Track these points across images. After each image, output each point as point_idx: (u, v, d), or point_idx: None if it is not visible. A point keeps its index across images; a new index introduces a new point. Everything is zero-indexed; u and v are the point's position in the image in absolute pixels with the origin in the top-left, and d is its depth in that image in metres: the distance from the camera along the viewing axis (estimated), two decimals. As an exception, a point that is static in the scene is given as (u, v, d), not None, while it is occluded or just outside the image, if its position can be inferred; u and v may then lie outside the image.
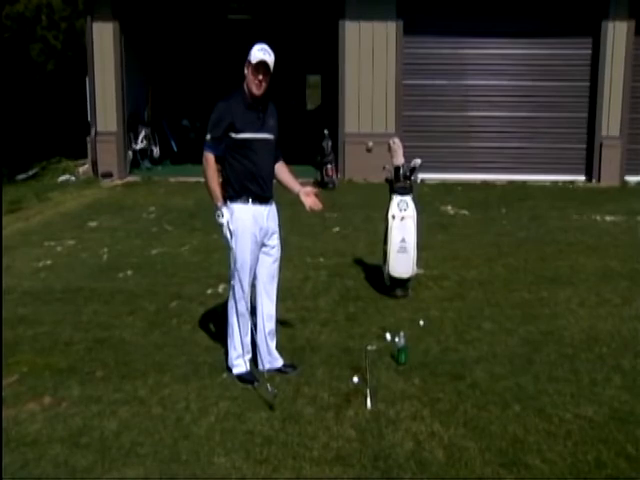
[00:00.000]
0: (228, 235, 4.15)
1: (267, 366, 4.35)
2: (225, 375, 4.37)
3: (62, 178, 12.89)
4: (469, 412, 3.89)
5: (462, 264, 6.91)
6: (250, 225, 4.19)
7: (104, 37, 12.44)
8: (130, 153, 13.23)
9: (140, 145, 13.70)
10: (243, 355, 4.36)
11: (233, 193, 4.20)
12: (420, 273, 6.31)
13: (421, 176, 11.04)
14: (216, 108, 4.20)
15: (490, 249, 7.51)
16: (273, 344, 4.48)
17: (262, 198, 4.22)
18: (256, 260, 4.29)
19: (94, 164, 12.81)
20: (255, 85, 4.12)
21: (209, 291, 6.10)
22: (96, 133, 12.71)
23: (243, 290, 4.23)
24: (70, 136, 14.91)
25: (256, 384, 4.22)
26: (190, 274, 6.62)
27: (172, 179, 12.49)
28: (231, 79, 18.26)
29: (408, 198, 5.91)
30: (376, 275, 6.24)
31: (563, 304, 5.73)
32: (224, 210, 4.14)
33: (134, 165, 13.41)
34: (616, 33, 12.10)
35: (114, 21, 12.44)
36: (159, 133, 14.50)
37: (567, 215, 9.39)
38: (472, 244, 7.74)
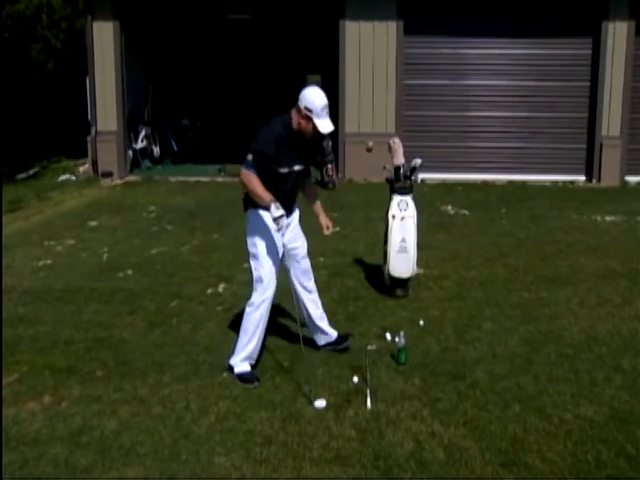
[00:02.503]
0: (284, 229, 4.12)
1: (322, 342, 4.68)
2: (225, 374, 4.37)
3: (62, 177, 12.88)
4: (469, 412, 3.90)
5: (462, 264, 6.91)
6: (272, 227, 4.23)
7: (104, 36, 12.42)
8: (130, 152, 13.22)
9: (140, 145, 13.68)
10: (249, 357, 4.38)
11: (253, 202, 4.27)
12: (420, 273, 6.32)
13: (421, 176, 11.05)
14: (265, 135, 4.22)
15: (490, 249, 7.51)
16: (324, 324, 4.70)
17: None
18: (277, 260, 4.36)
19: (94, 163, 12.80)
20: (308, 135, 4.20)
21: (209, 291, 6.11)
22: (96, 132, 12.70)
23: (265, 290, 4.30)
24: (70, 135, 14.91)
25: (256, 384, 4.24)
26: (190, 274, 6.62)
27: (172, 178, 12.49)
28: (231, 79, 18.13)
29: (408, 198, 5.91)
30: (376, 275, 6.24)
31: (563, 304, 5.73)
32: (278, 204, 4.09)
33: (134, 165, 13.40)
34: (616, 33, 12.09)
35: (114, 20, 12.42)
36: (159, 133, 14.50)
37: (567, 215, 9.39)
38: (472, 244, 7.74)
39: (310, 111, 4.10)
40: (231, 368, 4.39)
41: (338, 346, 4.70)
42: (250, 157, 4.18)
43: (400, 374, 4.37)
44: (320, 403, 3.95)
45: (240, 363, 4.37)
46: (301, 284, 4.54)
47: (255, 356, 4.42)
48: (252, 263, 4.37)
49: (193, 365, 4.54)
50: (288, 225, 4.26)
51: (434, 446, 3.55)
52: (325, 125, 4.14)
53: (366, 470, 3.36)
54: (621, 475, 3.32)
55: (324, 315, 4.71)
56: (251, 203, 4.29)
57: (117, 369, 4.49)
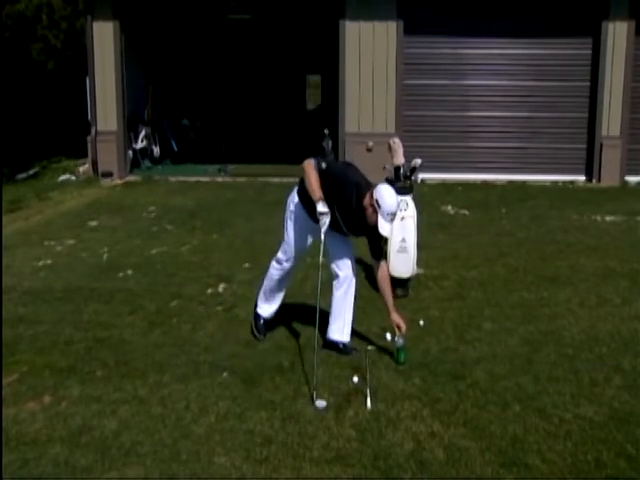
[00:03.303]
0: (326, 226, 4.28)
1: (329, 337, 4.77)
2: (225, 374, 4.37)
3: (62, 177, 12.88)
4: (469, 412, 3.90)
5: (462, 264, 6.91)
6: (311, 217, 4.48)
7: (104, 36, 12.42)
8: (130, 152, 13.22)
9: (140, 144, 13.68)
10: (268, 302, 4.90)
11: (305, 197, 4.47)
12: (420, 273, 6.31)
13: (421, 176, 11.04)
14: (343, 174, 4.56)
15: (490, 249, 7.51)
16: (341, 321, 4.82)
17: None
18: (305, 245, 4.71)
19: (94, 163, 12.80)
20: (369, 219, 4.35)
21: (209, 291, 6.11)
22: (96, 132, 12.70)
23: (287, 261, 4.73)
24: (70, 135, 14.91)
25: (261, 337, 4.84)
26: (190, 274, 6.61)
27: (172, 178, 12.49)
28: (231, 79, 18.10)
29: (408, 198, 5.91)
30: (376, 275, 6.23)
31: (563, 304, 5.73)
32: (325, 202, 4.27)
33: (134, 164, 13.40)
34: (616, 33, 12.08)
35: (114, 20, 12.43)
36: (159, 132, 14.50)
37: (567, 215, 9.39)
38: (472, 244, 7.74)
39: (379, 207, 4.25)
40: (256, 305, 4.96)
41: (339, 352, 4.71)
42: (324, 165, 4.38)
43: (400, 374, 4.37)
44: (321, 403, 3.96)
45: (262, 306, 4.93)
46: (337, 267, 4.77)
47: (270, 311, 4.92)
48: (284, 231, 4.73)
49: (193, 365, 4.54)
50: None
51: (434, 446, 3.54)
52: (385, 228, 4.29)
53: (366, 470, 3.36)
54: (621, 475, 3.31)
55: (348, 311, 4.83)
56: (304, 195, 4.48)
57: (117, 369, 4.49)
